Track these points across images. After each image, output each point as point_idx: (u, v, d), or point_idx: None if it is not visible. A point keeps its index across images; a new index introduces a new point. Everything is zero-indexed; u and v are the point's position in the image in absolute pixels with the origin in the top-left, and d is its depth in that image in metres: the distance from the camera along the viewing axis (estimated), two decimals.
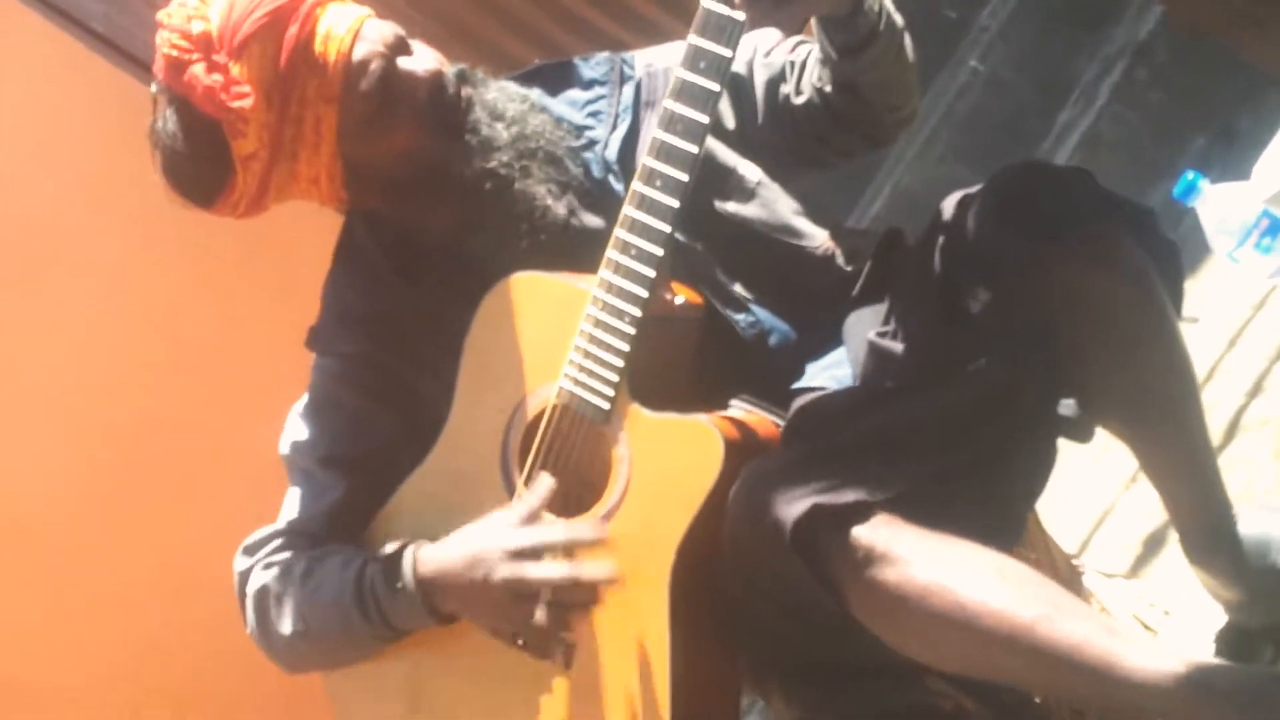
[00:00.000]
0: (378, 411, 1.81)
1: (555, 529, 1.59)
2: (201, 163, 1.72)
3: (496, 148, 1.74)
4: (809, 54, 1.80)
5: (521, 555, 1.56)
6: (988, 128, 3.92)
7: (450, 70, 1.77)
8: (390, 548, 1.68)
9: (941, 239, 1.60)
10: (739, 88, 1.86)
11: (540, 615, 1.54)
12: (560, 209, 1.77)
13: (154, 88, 1.75)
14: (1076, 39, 3.88)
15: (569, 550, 1.57)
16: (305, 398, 1.87)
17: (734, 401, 1.74)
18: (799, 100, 1.82)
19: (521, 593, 1.56)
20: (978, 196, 1.60)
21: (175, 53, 1.68)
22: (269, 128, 1.69)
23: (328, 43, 1.69)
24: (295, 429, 1.86)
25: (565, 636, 1.59)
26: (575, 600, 1.55)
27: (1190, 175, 2.14)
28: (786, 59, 1.85)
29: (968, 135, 3.96)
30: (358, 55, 1.70)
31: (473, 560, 1.59)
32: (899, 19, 1.76)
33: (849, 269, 1.81)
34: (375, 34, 1.73)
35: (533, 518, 1.59)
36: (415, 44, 1.78)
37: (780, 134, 1.85)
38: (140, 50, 4.42)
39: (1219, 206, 2.09)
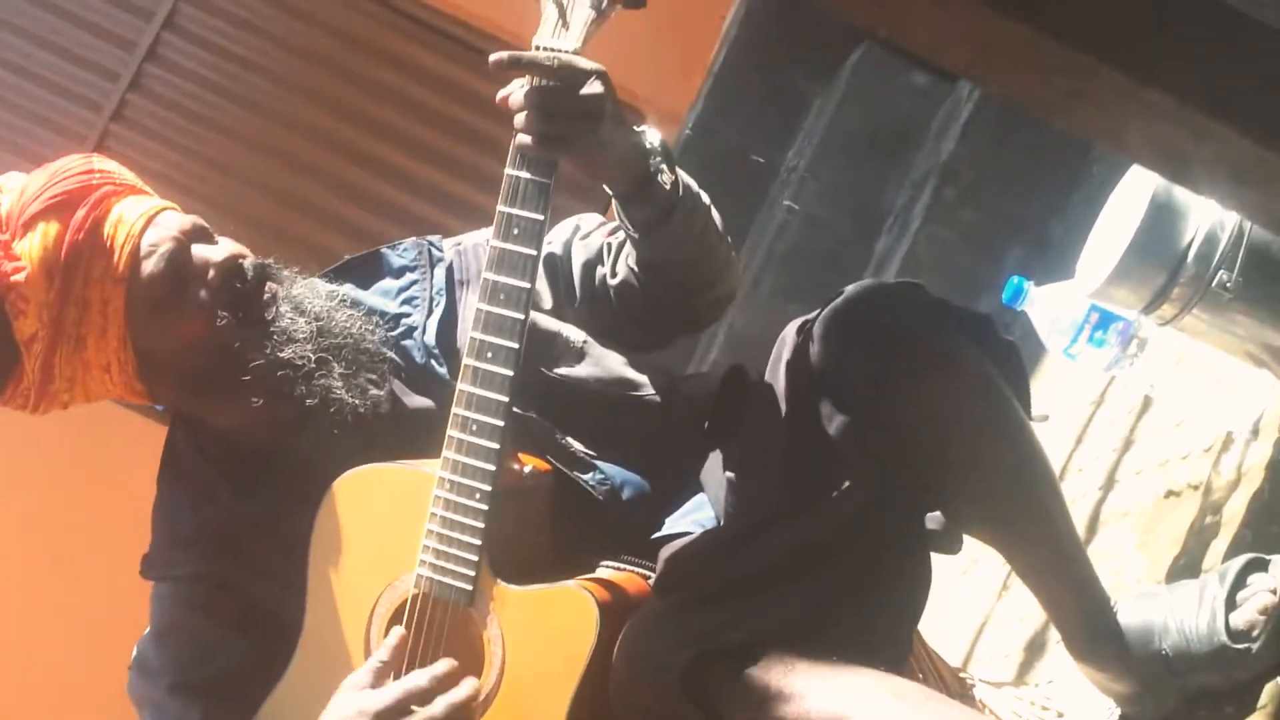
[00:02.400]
0: (221, 631, 1.74)
1: (415, 676, 1.56)
2: None
3: (295, 340, 1.69)
4: (625, 236, 1.80)
5: (389, 713, 1.54)
6: (809, 263, 4.00)
7: (251, 261, 1.73)
8: None
9: (787, 368, 1.60)
10: (555, 268, 1.86)
11: None
12: (382, 400, 1.73)
13: None
14: (883, 168, 3.99)
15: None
16: (147, 630, 1.79)
17: (600, 563, 1.70)
18: (614, 281, 1.82)
19: None
20: (817, 321, 1.60)
21: None
22: (50, 307, 1.63)
23: (118, 226, 1.65)
24: (139, 664, 1.78)
25: None
26: None
27: (1016, 280, 2.18)
28: (604, 240, 1.85)
29: (791, 273, 4.03)
30: (148, 239, 1.67)
31: None
32: (704, 195, 1.77)
33: (686, 411, 1.80)
34: (172, 222, 1.69)
35: (384, 673, 1.57)
36: (222, 239, 1.74)
37: (598, 315, 1.84)
38: None
39: (1048, 307, 2.13)
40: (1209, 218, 1.87)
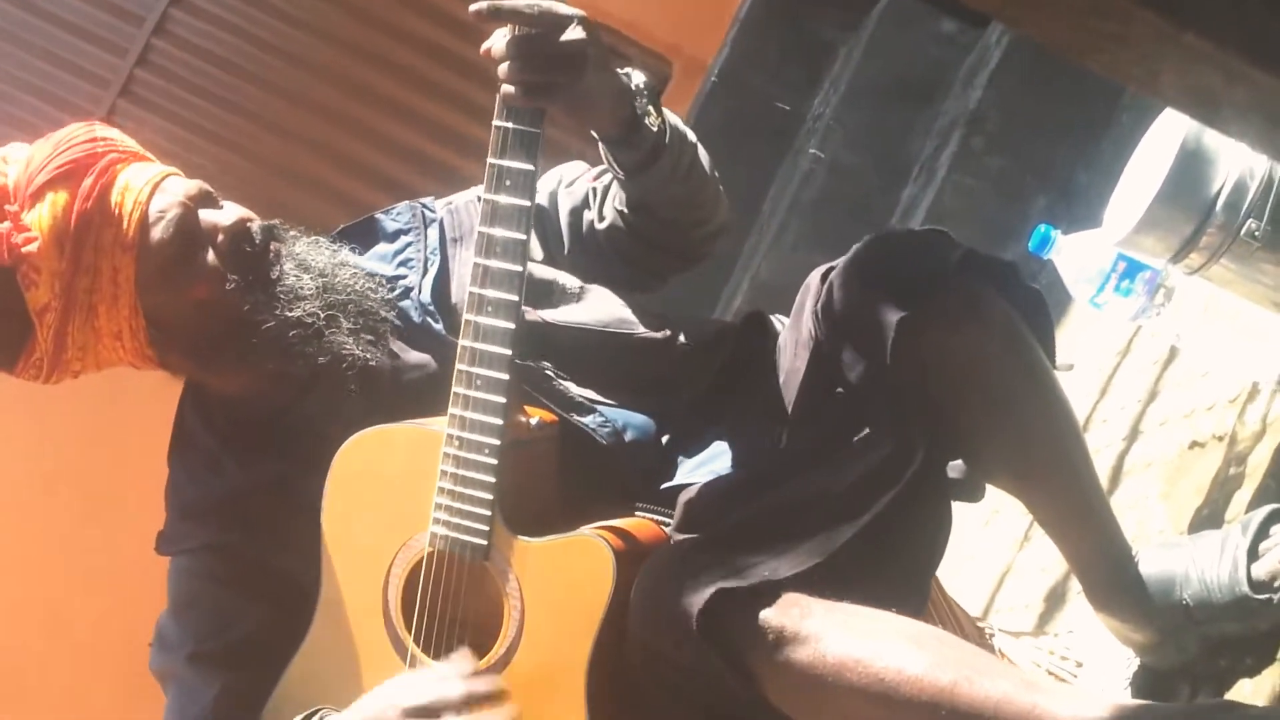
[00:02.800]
0: (238, 599, 1.74)
1: (452, 683, 1.56)
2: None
3: (302, 297, 1.70)
4: (611, 179, 1.79)
5: (418, 713, 1.54)
6: (835, 212, 3.98)
7: (258, 224, 1.72)
8: None
9: (811, 313, 1.59)
10: (543, 219, 1.86)
11: None
12: (384, 359, 1.73)
13: None
14: (910, 116, 3.96)
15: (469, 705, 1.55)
16: (166, 605, 1.80)
17: (615, 511, 1.70)
18: (601, 225, 1.82)
19: None
20: (842, 268, 1.59)
21: None
22: (61, 276, 1.63)
23: (125, 194, 1.65)
24: (160, 639, 1.79)
25: None
26: None
27: (1043, 228, 2.17)
28: (589, 186, 1.85)
29: (816, 222, 4.01)
30: (155, 205, 1.66)
31: None
32: (689, 133, 1.77)
33: (694, 348, 1.80)
34: (178, 187, 1.69)
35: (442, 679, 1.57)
36: (227, 203, 1.74)
37: (589, 261, 1.84)
38: None
39: (1075, 255, 2.12)
40: (1238, 165, 1.85)
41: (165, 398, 1.85)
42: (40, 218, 1.62)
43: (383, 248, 1.85)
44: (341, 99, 4.76)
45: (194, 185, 1.70)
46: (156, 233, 1.65)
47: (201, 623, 1.75)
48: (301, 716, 1.63)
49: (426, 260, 1.82)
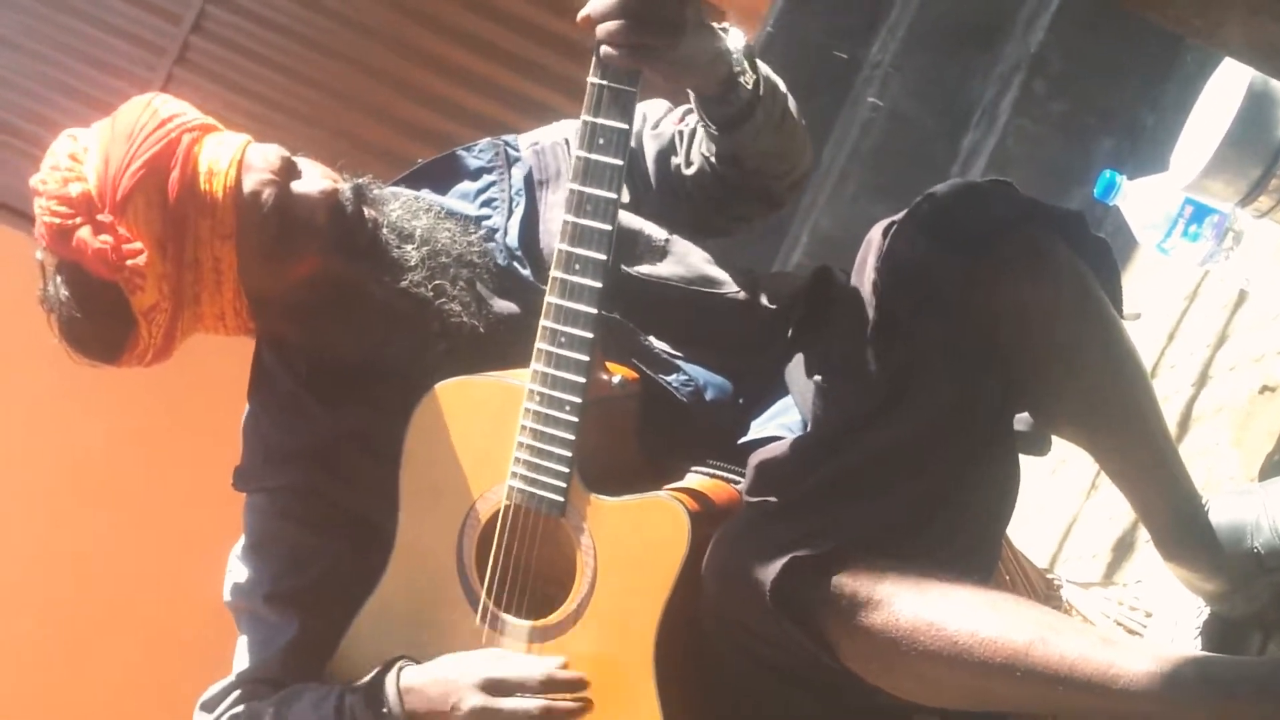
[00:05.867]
0: (316, 541, 1.76)
1: (531, 664, 1.59)
2: (101, 322, 1.68)
3: (409, 268, 1.70)
4: (698, 122, 1.78)
5: (491, 688, 1.57)
6: (895, 161, 3.94)
7: (346, 187, 1.72)
8: (369, 676, 1.64)
9: (874, 269, 1.58)
10: (630, 160, 1.84)
11: None
12: (470, 303, 1.74)
13: (39, 255, 1.70)
14: (970, 61, 3.92)
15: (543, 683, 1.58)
16: (241, 540, 1.82)
17: (689, 470, 1.70)
18: (689, 171, 1.81)
19: None
20: (904, 221, 1.58)
21: (57, 220, 1.64)
22: (168, 278, 1.65)
23: (212, 179, 1.65)
24: (236, 573, 1.80)
25: None
26: None
27: (1108, 174, 2.14)
28: (675, 129, 1.84)
29: (877, 171, 3.98)
30: (247, 187, 1.66)
31: (447, 689, 1.59)
32: (780, 84, 1.76)
33: (773, 308, 1.79)
34: (261, 161, 1.68)
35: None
36: (303, 162, 1.73)
37: (675, 204, 1.83)
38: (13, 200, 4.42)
39: (1141, 201, 2.09)
40: None
41: (222, 350, 1.86)
42: (136, 224, 1.63)
43: (465, 185, 1.85)
44: (399, 62, 4.75)
45: (275, 156, 1.70)
46: (254, 217, 1.66)
47: (280, 561, 1.77)
48: (382, 664, 1.65)
49: (511, 201, 1.81)
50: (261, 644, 1.76)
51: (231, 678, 1.77)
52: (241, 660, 1.77)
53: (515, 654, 1.62)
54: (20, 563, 4.64)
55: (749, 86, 1.65)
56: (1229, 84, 1.88)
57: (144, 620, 4.65)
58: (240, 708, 1.73)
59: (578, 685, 1.58)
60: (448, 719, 1.58)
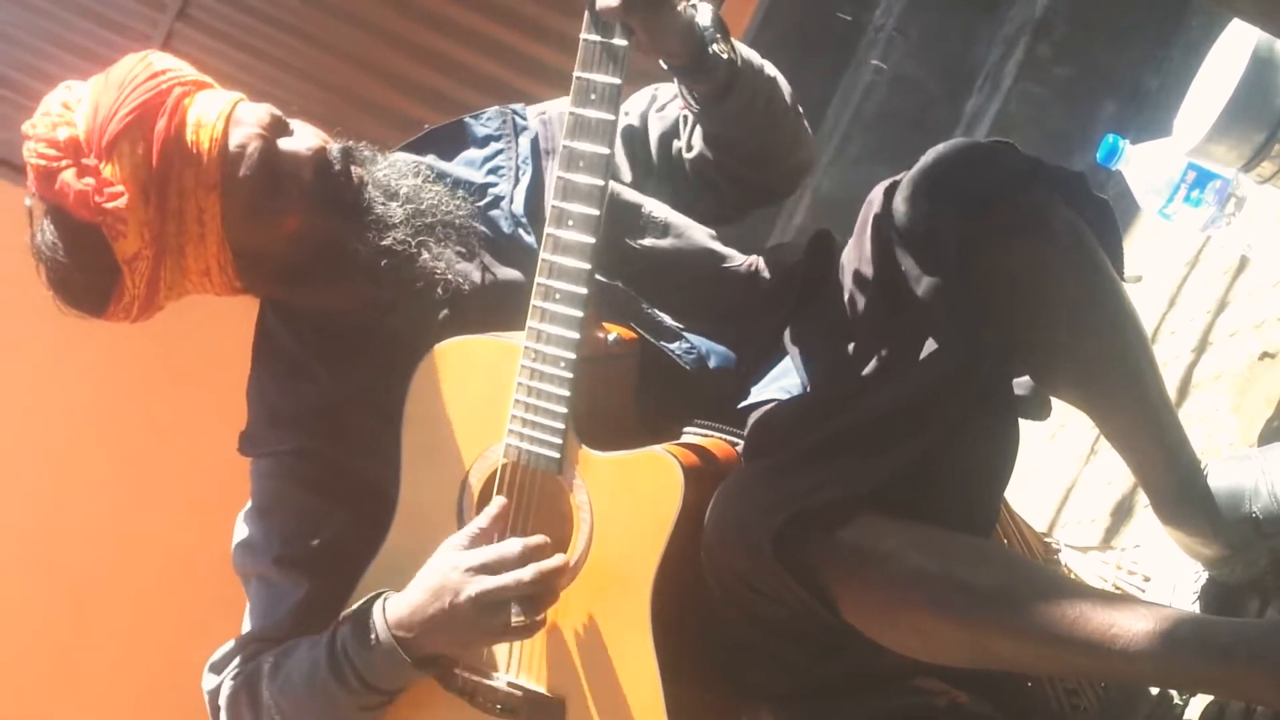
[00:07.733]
0: (323, 503, 1.77)
1: (510, 543, 1.58)
2: (86, 270, 1.68)
3: (392, 225, 1.71)
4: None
5: (482, 570, 1.56)
6: (898, 124, 3.93)
7: (335, 147, 1.72)
8: (355, 606, 1.65)
9: (874, 229, 1.58)
10: (633, 140, 1.86)
11: (516, 617, 1.54)
12: (472, 271, 1.74)
13: (28, 201, 1.70)
14: (974, 24, 3.90)
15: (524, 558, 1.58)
16: (249, 504, 1.82)
17: (686, 429, 1.71)
18: (690, 155, 1.82)
19: (492, 602, 1.55)
20: (906, 182, 1.57)
21: (44, 162, 1.64)
22: (150, 225, 1.65)
23: (199, 130, 1.65)
24: (243, 536, 1.81)
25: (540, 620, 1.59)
26: (543, 592, 1.56)
27: (1111, 138, 2.14)
28: (680, 112, 1.84)
29: (879, 134, 3.97)
30: (234, 140, 1.66)
31: (438, 589, 1.58)
32: (769, 69, 1.76)
33: (775, 280, 1.80)
34: (250, 117, 1.69)
35: (482, 538, 1.60)
36: (295, 123, 1.73)
37: (675, 188, 1.84)
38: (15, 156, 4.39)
39: (1143, 166, 2.09)
40: None
41: (228, 314, 1.86)
42: (120, 169, 1.63)
43: (472, 153, 1.85)
44: (406, 22, 4.72)
45: (265, 112, 1.70)
46: (240, 170, 1.66)
47: (288, 525, 1.77)
48: (364, 599, 1.65)
49: (518, 169, 1.82)
50: (270, 606, 1.77)
51: (240, 638, 1.78)
52: (250, 620, 1.79)
53: (475, 540, 1.61)
54: (27, 529, 4.65)
55: (723, 57, 1.65)
56: (1234, 48, 1.87)
57: (153, 585, 4.67)
58: (248, 665, 1.74)
59: (549, 549, 1.58)
60: (450, 616, 1.57)
